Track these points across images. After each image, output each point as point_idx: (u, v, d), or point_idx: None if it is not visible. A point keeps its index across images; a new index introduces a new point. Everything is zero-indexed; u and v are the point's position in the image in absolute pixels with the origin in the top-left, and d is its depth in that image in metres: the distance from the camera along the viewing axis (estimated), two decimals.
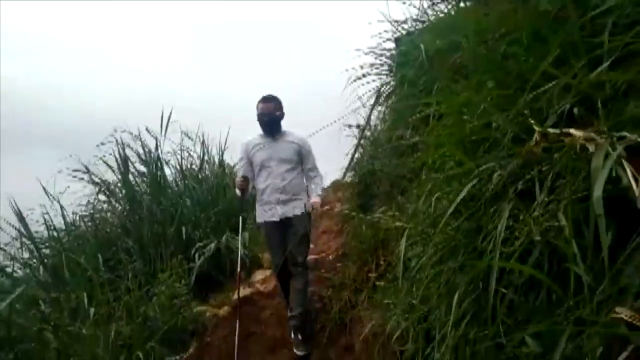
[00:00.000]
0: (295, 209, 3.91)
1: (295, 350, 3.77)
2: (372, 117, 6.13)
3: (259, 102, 3.96)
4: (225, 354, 3.91)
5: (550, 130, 1.41)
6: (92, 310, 4.07)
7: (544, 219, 1.25)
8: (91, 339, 3.89)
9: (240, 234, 4.18)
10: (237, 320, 3.86)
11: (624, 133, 1.17)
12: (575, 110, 1.39)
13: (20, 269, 5.60)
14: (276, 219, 3.90)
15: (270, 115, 3.91)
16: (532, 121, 1.52)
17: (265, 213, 3.94)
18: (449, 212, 1.53)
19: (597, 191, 1.00)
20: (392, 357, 2.58)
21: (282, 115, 4.00)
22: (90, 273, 4.66)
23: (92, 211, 6.77)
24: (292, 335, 3.87)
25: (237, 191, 3.96)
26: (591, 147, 1.15)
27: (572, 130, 1.36)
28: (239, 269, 4.09)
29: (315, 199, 3.97)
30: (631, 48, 1.24)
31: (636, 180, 1.10)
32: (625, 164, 1.12)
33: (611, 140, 1.14)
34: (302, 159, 4.02)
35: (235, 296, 4.94)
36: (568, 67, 1.52)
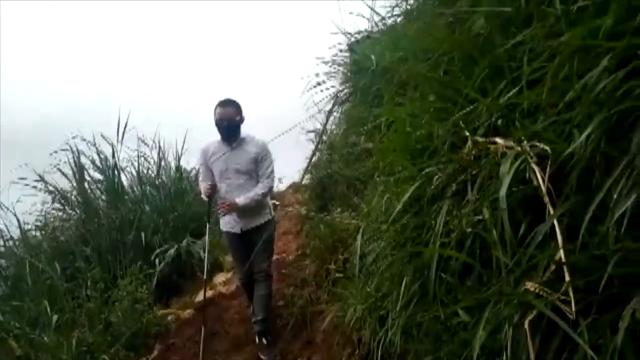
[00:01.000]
0: (256, 220, 3.91)
1: (260, 355, 3.80)
2: (329, 123, 6.39)
3: (217, 106, 3.81)
4: (190, 354, 4.02)
5: (480, 139, 1.68)
6: (54, 317, 4.07)
7: (473, 214, 1.50)
8: (54, 346, 3.91)
9: (206, 240, 4.26)
10: (204, 319, 3.97)
11: (535, 142, 1.43)
12: (499, 122, 1.66)
13: None
14: (238, 231, 3.91)
15: (230, 120, 3.76)
16: (466, 132, 1.78)
17: (228, 224, 3.96)
18: (396, 211, 1.78)
19: (502, 191, 1.26)
20: (351, 345, 2.81)
21: (241, 120, 3.86)
22: (51, 281, 4.65)
23: (47, 220, 6.68)
24: (257, 340, 3.92)
25: (204, 197, 3.96)
26: (510, 154, 1.40)
27: (497, 139, 1.63)
28: (205, 274, 4.17)
29: (240, 199, 3.75)
30: (542, 72, 1.51)
31: (543, 180, 1.36)
32: (535, 167, 1.39)
33: (523, 149, 1.40)
34: (257, 166, 3.86)
35: (197, 299, 5.08)
36: (496, 83, 1.80)
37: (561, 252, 1.19)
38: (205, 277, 4.18)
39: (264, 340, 3.89)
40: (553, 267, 1.21)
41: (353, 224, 2.83)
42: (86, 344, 4.14)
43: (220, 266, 5.87)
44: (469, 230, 1.51)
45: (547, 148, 1.36)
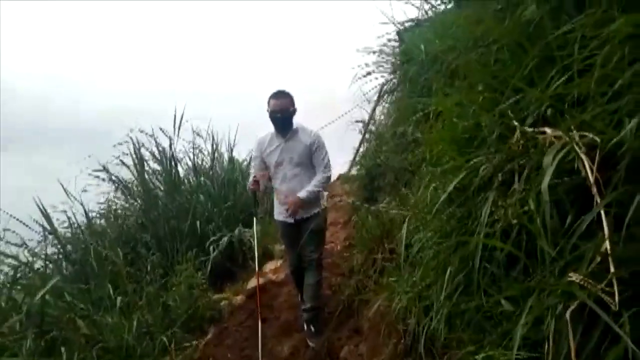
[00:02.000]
0: (309, 210, 3.90)
1: (308, 341, 3.86)
2: (377, 113, 6.38)
3: (271, 98, 3.84)
4: (242, 338, 4.18)
5: (528, 129, 1.66)
6: (118, 299, 4.34)
7: (519, 205, 1.49)
8: (117, 327, 4.17)
9: (255, 230, 4.34)
10: (258, 302, 4.08)
11: (584, 133, 1.41)
12: (548, 112, 1.63)
13: (43, 265, 5.93)
14: (291, 220, 3.91)
15: (283, 112, 3.80)
16: (514, 122, 1.76)
17: (281, 214, 3.98)
18: (441, 200, 1.79)
19: (545, 182, 1.25)
20: (396, 334, 2.84)
21: (294, 111, 3.90)
22: (114, 266, 4.96)
23: (110, 208, 7.09)
24: (305, 327, 3.98)
25: (250, 188, 4.01)
26: (556, 145, 1.38)
27: (545, 129, 1.60)
28: (256, 261, 4.22)
29: (301, 193, 3.77)
30: (592, 60, 1.47)
31: (592, 170, 1.34)
32: (584, 157, 1.36)
33: (571, 139, 1.38)
34: (312, 157, 3.90)
35: (249, 286, 5.26)
36: (546, 72, 1.77)
37: (607, 243, 1.17)
38: (257, 265, 4.26)
39: (312, 328, 3.95)
40: (598, 258, 1.20)
41: (400, 214, 2.84)
42: (146, 325, 4.39)
43: (270, 254, 6.02)
44: (515, 221, 1.50)
45: (596, 138, 1.33)
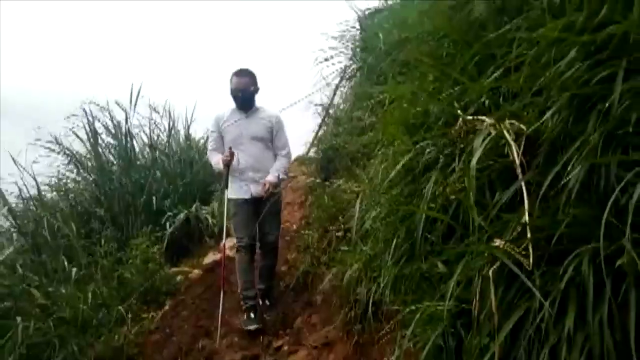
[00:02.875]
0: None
1: (263, 314, 3.94)
2: (336, 97, 6.56)
3: (233, 75, 3.87)
4: (199, 310, 4.31)
5: (469, 117, 1.87)
6: (73, 271, 4.36)
7: (458, 183, 1.71)
8: (72, 298, 4.20)
9: (225, 207, 4.16)
10: (223, 273, 4.08)
11: (513, 121, 1.63)
12: (487, 102, 1.85)
13: None
14: (248, 196, 3.94)
15: (245, 90, 3.85)
16: (458, 110, 1.98)
17: (239, 190, 3.98)
18: (390, 177, 1.99)
19: (474, 160, 1.47)
20: (348, 305, 3.06)
21: (256, 90, 3.94)
22: (68, 239, 4.94)
23: (61, 182, 6.95)
24: (260, 301, 4.02)
25: (220, 165, 3.92)
26: (484, 130, 1.60)
27: (484, 118, 1.82)
28: (224, 237, 4.25)
29: (270, 177, 3.86)
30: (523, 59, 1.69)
31: (518, 154, 1.57)
32: (512, 143, 1.59)
33: (504, 127, 1.60)
34: (272, 137, 3.99)
35: (205, 261, 5.37)
36: (488, 66, 1.99)
37: (526, 215, 1.40)
38: (224, 240, 4.23)
39: (267, 302, 4.15)
40: (519, 227, 1.43)
41: (354, 190, 3.04)
42: (101, 297, 4.43)
43: (227, 232, 6.12)
44: (453, 197, 1.72)
45: (522, 126, 1.56)
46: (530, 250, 1.34)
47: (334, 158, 5.21)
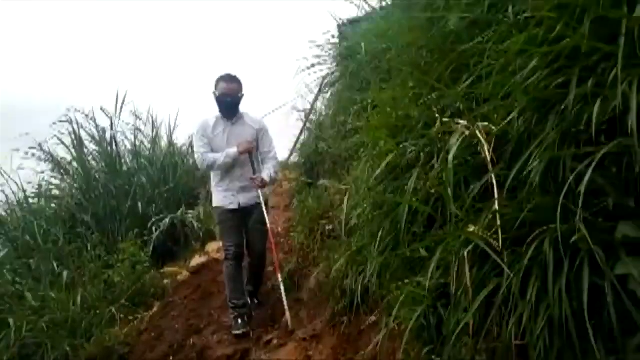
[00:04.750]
0: (255, 197, 3.91)
1: (252, 312, 3.99)
2: (318, 103, 6.76)
3: (221, 81, 3.80)
4: (188, 310, 4.42)
5: (446, 119, 2.08)
6: (65, 273, 4.43)
7: (437, 178, 1.91)
8: (62, 300, 4.28)
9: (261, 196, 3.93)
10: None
11: (484, 123, 1.84)
12: (461, 106, 2.06)
13: None
14: (235, 206, 3.90)
15: (233, 96, 3.81)
16: (436, 113, 2.18)
17: (225, 200, 3.93)
18: (375, 174, 2.19)
19: (450, 155, 1.68)
20: (334, 299, 3.23)
21: (242, 97, 3.91)
22: (55, 244, 5.01)
23: (46, 187, 6.98)
24: (249, 302, 4.03)
25: (229, 158, 3.78)
26: (459, 130, 1.81)
27: (460, 120, 2.03)
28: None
29: (264, 174, 3.86)
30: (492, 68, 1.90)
31: (489, 151, 1.77)
32: (484, 141, 1.80)
33: (476, 127, 1.81)
34: (259, 143, 3.96)
35: (192, 264, 5.48)
36: (462, 73, 2.20)
37: (496, 204, 1.61)
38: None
39: (256, 301, 4.29)
40: (490, 215, 1.63)
41: (340, 190, 3.23)
42: (91, 300, 4.51)
43: (212, 235, 6.24)
44: (433, 190, 1.92)
45: (492, 127, 1.77)
46: (500, 234, 1.54)
47: (318, 162, 5.39)
